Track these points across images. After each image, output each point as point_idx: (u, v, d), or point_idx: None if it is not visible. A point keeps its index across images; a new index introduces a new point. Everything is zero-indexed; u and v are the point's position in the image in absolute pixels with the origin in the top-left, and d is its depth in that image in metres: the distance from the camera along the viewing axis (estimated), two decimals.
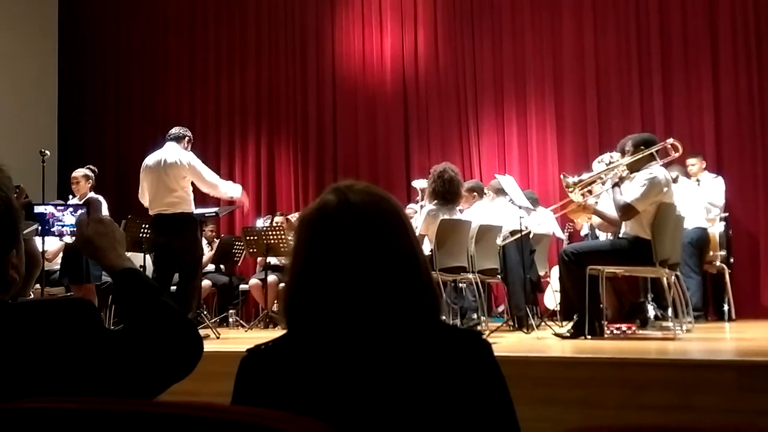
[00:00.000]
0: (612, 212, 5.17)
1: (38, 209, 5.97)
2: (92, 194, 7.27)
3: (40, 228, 5.88)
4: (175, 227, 5.98)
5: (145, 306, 1.35)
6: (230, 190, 6.44)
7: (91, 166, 7.41)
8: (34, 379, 1.11)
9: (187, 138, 6.29)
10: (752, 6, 7.64)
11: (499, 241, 6.25)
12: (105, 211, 7.23)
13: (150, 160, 6.18)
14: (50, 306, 1.23)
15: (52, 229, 5.97)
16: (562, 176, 5.49)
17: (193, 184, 6.19)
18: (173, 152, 6.09)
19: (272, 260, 7.88)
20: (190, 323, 1.37)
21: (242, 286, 8.58)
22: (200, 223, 6.88)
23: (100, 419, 0.69)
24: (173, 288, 6.19)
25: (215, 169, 9.77)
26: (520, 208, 6.06)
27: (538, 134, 8.64)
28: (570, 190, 5.30)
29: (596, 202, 5.45)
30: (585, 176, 5.43)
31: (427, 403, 1.15)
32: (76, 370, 1.15)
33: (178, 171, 6.01)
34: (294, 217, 8.18)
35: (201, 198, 6.44)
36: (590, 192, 5.38)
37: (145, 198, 6.28)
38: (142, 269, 6.42)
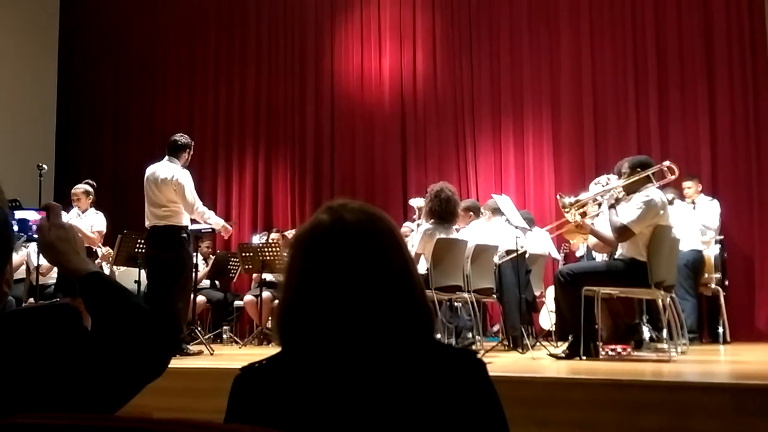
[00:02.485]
0: (608, 233, 5.18)
1: (19, 214, 5.90)
2: (92, 209, 7.29)
3: (25, 237, 5.84)
4: (165, 240, 5.96)
5: (114, 307, 1.35)
6: (210, 217, 6.28)
7: (89, 181, 7.44)
8: (22, 386, 1.12)
9: (187, 148, 6.18)
10: (747, 28, 7.71)
11: (496, 259, 6.24)
12: (103, 226, 7.25)
13: (148, 171, 6.17)
14: (34, 313, 1.23)
15: (34, 236, 5.92)
16: (558, 197, 5.50)
17: None
18: (166, 168, 6.07)
19: (267, 277, 7.87)
20: (160, 321, 1.36)
21: (237, 303, 8.56)
22: (196, 239, 6.85)
23: None
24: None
25: (212, 185, 9.88)
26: (516, 228, 6.07)
27: (535, 154, 8.67)
28: (566, 210, 5.31)
29: (593, 223, 5.46)
30: (581, 197, 5.45)
31: (421, 422, 1.15)
32: (59, 375, 1.15)
33: (168, 187, 5.98)
34: (290, 233, 8.18)
35: None
36: (585, 214, 5.38)
37: None
38: (136, 284, 6.45)
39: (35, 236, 1.46)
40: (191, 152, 6.30)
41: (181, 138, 6.24)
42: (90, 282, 1.38)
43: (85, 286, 1.38)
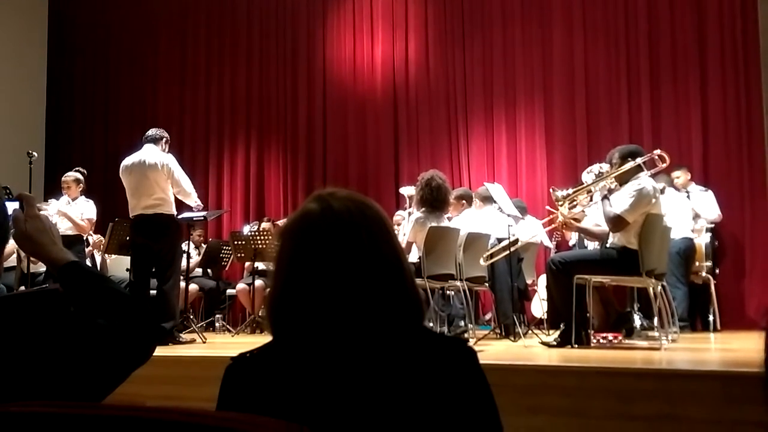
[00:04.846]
0: (597, 226, 5.21)
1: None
2: (82, 197, 7.28)
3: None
4: (156, 228, 5.93)
5: (95, 295, 1.34)
6: (194, 200, 6.30)
7: (80, 169, 7.43)
8: (9, 373, 1.12)
9: (164, 139, 6.23)
10: (740, 20, 7.71)
11: (482, 261, 6.14)
12: (93, 213, 7.24)
13: (128, 161, 6.13)
14: (21, 299, 1.23)
15: None
16: (551, 190, 5.51)
17: None
18: (153, 154, 6.05)
19: (260, 265, 7.86)
20: (142, 308, 1.36)
21: (229, 291, 8.56)
22: (188, 227, 6.84)
23: (90, 424, 0.69)
24: (153, 292, 6.11)
25: (204, 175, 9.86)
26: (508, 216, 6.08)
27: (527, 143, 8.68)
28: (560, 203, 5.32)
29: (583, 211, 5.48)
30: (572, 190, 5.44)
31: (412, 410, 1.16)
32: (45, 361, 1.15)
33: (158, 174, 5.96)
34: (282, 222, 8.16)
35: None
36: (575, 204, 5.39)
37: None
38: (128, 272, 6.43)
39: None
40: (168, 142, 6.32)
41: (157, 131, 6.28)
42: (69, 271, 1.38)
43: (64, 276, 1.38)
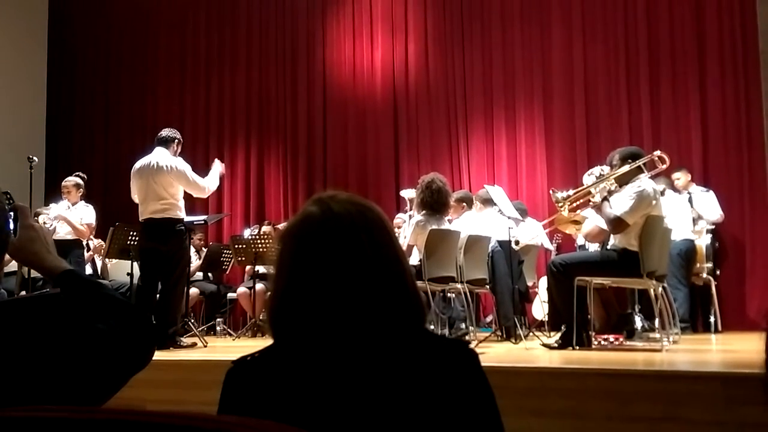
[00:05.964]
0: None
1: None
2: (82, 202, 7.28)
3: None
4: (163, 232, 5.92)
5: (94, 302, 1.35)
6: (213, 182, 6.28)
7: (80, 174, 7.44)
8: (9, 377, 1.12)
9: (176, 140, 6.18)
10: (739, 20, 7.71)
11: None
12: (92, 218, 7.24)
13: (139, 164, 6.12)
14: (21, 304, 1.23)
15: None
16: (551, 192, 5.51)
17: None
18: (161, 158, 6.03)
19: (260, 269, 7.86)
20: (140, 313, 1.36)
21: (230, 295, 8.56)
22: (189, 231, 6.83)
23: (90, 428, 0.69)
24: (158, 295, 6.10)
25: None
26: (509, 218, 6.08)
27: (527, 145, 8.68)
28: (560, 205, 5.32)
29: (593, 204, 5.47)
30: (573, 191, 5.44)
31: (413, 412, 1.16)
32: (45, 366, 1.15)
33: (166, 178, 5.94)
34: (282, 226, 8.15)
35: (190, 204, 6.39)
36: (587, 203, 5.39)
37: (136, 199, 6.20)
38: (129, 276, 6.43)
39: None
40: (181, 143, 6.28)
41: (169, 132, 6.24)
42: (67, 279, 1.38)
43: (62, 284, 1.38)
